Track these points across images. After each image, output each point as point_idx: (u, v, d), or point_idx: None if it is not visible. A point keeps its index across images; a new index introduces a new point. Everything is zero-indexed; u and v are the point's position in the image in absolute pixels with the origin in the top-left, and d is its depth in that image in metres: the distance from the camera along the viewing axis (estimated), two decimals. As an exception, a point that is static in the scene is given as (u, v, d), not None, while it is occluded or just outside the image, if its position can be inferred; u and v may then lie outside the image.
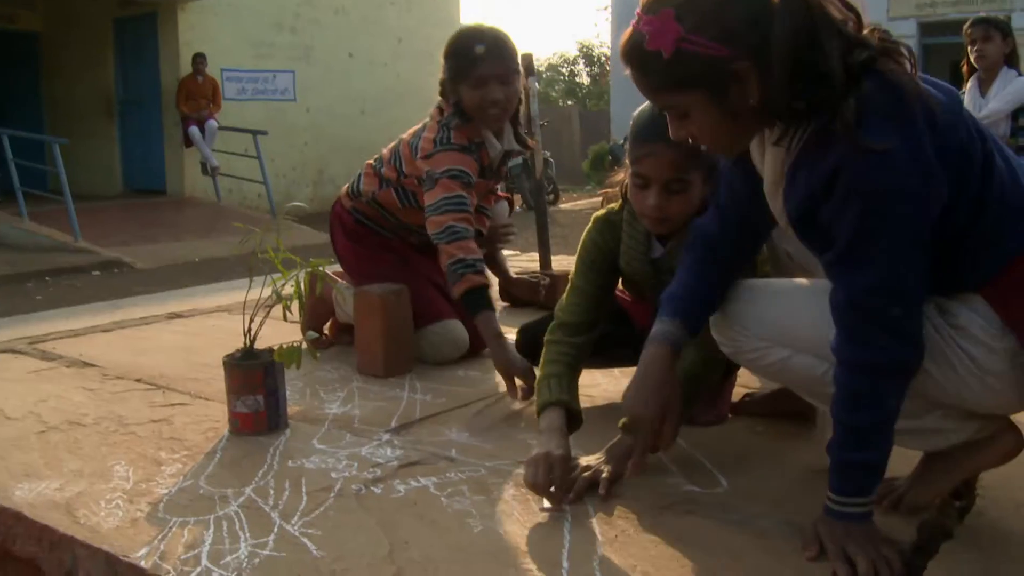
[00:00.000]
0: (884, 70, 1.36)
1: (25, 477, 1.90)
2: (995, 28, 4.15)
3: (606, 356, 2.37)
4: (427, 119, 2.80)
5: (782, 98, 1.38)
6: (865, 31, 1.41)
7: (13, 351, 3.05)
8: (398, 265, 2.84)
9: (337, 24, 13.92)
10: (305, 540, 1.59)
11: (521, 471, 1.85)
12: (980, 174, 1.42)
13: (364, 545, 1.57)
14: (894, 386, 1.43)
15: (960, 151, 1.40)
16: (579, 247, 2.12)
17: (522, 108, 2.98)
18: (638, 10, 1.44)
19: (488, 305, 2.55)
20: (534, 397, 2.02)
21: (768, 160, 1.53)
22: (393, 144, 2.91)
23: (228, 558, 1.52)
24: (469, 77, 2.65)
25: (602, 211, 2.14)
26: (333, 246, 3.05)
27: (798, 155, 1.44)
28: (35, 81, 14.02)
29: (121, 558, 1.53)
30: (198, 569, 1.48)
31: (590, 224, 2.13)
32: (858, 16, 1.40)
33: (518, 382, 2.43)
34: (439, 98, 2.79)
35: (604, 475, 1.78)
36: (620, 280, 2.21)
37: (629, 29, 1.46)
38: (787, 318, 1.61)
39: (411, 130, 2.86)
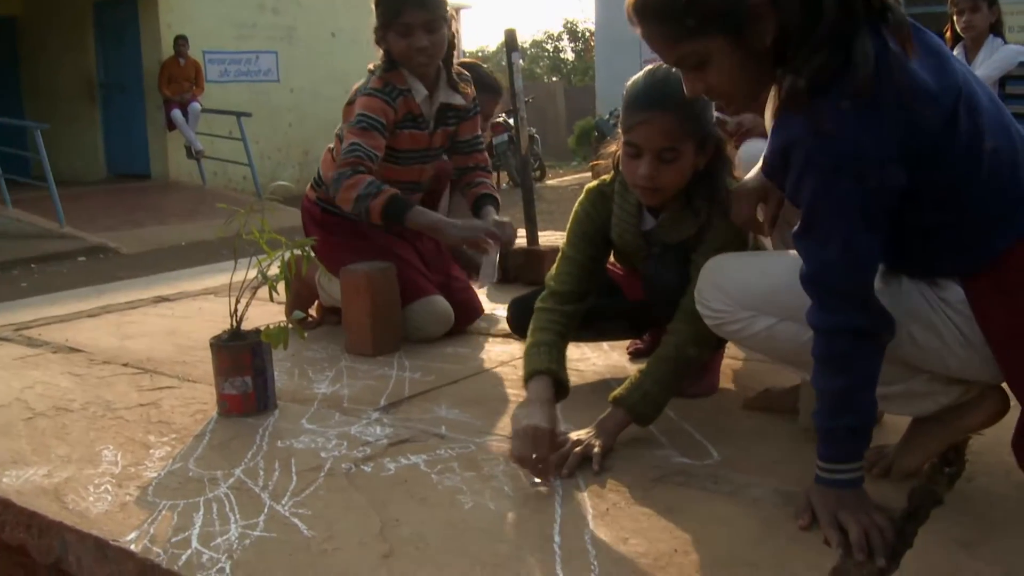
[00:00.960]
0: (858, 46, 1.33)
1: (12, 464, 1.89)
2: None
3: (596, 329, 2.38)
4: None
5: (792, 39, 1.37)
6: None
7: (-1, 338, 3.03)
8: (373, 251, 2.81)
9: (319, 4, 13.79)
10: (295, 520, 1.58)
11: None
12: (961, 166, 1.41)
13: (355, 524, 1.56)
14: (862, 351, 1.45)
15: (934, 144, 1.38)
16: (571, 218, 2.11)
17: (506, 94, 3.05)
18: None
19: (409, 205, 2.63)
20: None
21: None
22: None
23: (219, 540, 1.51)
24: (395, 24, 2.68)
25: (594, 182, 2.13)
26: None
27: (775, 116, 1.44)
28: (14, 66, 13.87)
29: (111, 542, 1.52)
30: (188, 551, 1.47)
31: (582, 195, 2.12)
32: None
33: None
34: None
35: (596, 450, 1.78)
36: (612, 253, 2.20)
37: None
38: (770, 285, 1.62)
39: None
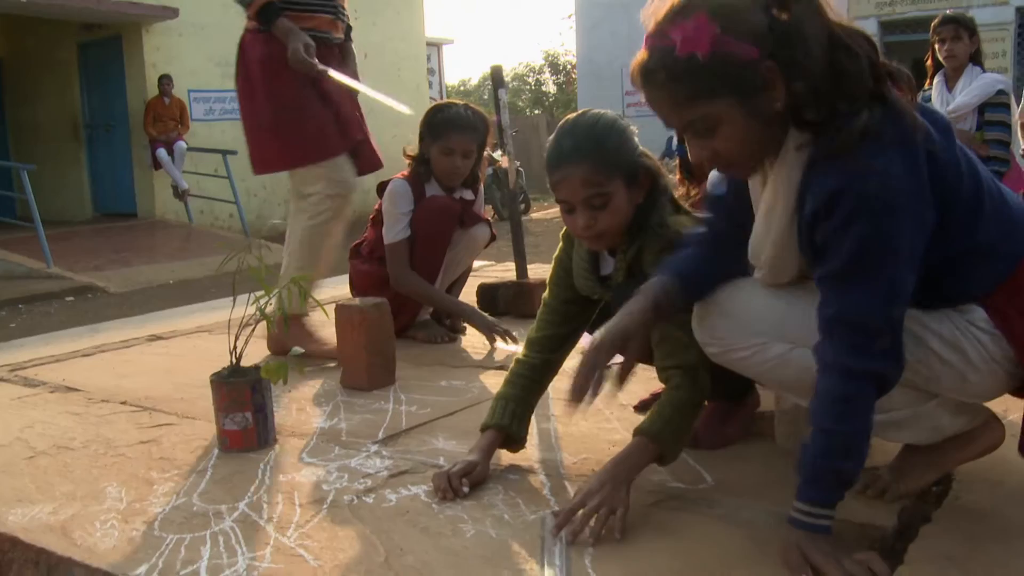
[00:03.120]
0: (889, 97, 1.40)
1: (17, 502, 1.91)
2: (963, 27, 4.23)
3: None
4: None
5: (806, 104, 1.41)
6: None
7: (-5, 379, 3.05)
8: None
9: (303, 41, 13.90)
10: (302, 551, 1.62)
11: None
12: (971, 202, 1.48)
13: (360, 553, 1.60)
14: (875, 395, 1.44)
15: (952, 181, 1.45)
16: (552, 265, 2.15)
17: (493, 118, 3.18)
18: (653, 27, 1.44)
19: (279, 13, 2.91)
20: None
21: (769, 185, 1.55)
22: None
23: (227, 572, 1.54)
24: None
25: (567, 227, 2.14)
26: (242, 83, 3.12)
27: (804, 175, 1.46)
28: (-1, 107, 13.94)
29: (120, 577, 1.55)
30: (198, 584, 1.51)
31: (560, 241, 2.15)
32: (868, 39, 1.44)
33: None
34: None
35: (618, 514, 1.65)
36: None
37: (645, 50, 1.46)
38: (784, 312, 1.61)
39: None
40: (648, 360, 1.87)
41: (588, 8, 17.92)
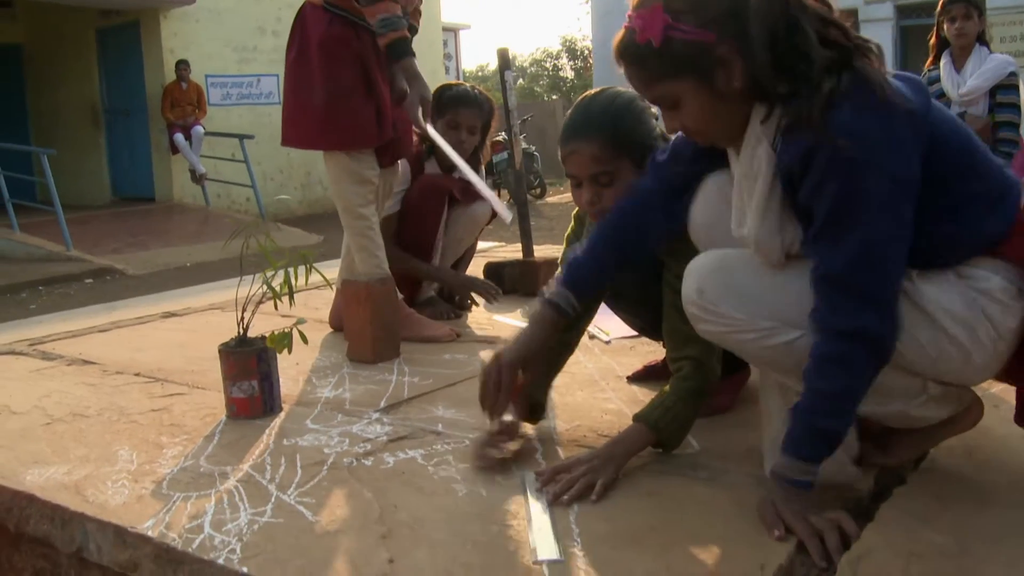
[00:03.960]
0: (858, 65, 1.45)
1: (34, 464, 2.00)
2: (973, 6, 4.24)
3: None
4: None
5: (765, 79, 1.47)
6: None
7: (14, 352, 3.15)
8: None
9: (319, 26, 13.98)
10: (301, 508, 1.70)
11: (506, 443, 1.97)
12: (962, 154, 1.53)
13: (356, 510, 1.68)
14: (866, 356, 1.47)
15: (939, 136, 1.49)
16: (564, 244, 2.21)
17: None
18: (629, 11, 1.55)
19: (410, 52, 2.90)
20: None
21: (742, 155, 1.59)
22: None
23: (229, 525, 1.63)
24: (447, 116, 3.31)
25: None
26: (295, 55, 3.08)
27: (778, 142, 1.50)
28: (20, 93, 14.11)
29: (129, 529, 1.64)
30: (201, 536, 1.59)
31: (572, 222, 2.20)
32: (830, 9, 1.50)
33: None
34: None
35: (599, 483, 1.71)
36: None
37: (621, 30, 1.57)
38: (794, 296, 1.57)
39: None
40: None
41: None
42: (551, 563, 1.44)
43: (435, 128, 3.22)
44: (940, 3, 4.36)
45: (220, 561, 1.50)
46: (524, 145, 13.92)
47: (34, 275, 8.61)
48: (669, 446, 1.86)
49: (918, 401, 1.63)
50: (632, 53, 1.56)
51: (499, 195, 13.36)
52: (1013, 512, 1.56)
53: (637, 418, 1.85)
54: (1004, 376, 1.66)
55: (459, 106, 3.31)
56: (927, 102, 1.50)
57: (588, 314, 2.15)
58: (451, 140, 3.25)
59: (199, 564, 1.52)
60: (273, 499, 1.74)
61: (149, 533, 1.61)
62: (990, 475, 1.72)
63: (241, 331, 2.29)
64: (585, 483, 1.69)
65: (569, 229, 2.19)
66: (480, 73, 38.08)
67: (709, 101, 1.54)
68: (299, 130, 3.05)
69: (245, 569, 1.47)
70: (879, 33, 13.77)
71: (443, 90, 3.38)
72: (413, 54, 2.91)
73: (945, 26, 4.33)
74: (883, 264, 1.46)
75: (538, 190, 14.33)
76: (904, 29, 13.82)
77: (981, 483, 1.69)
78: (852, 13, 13.81)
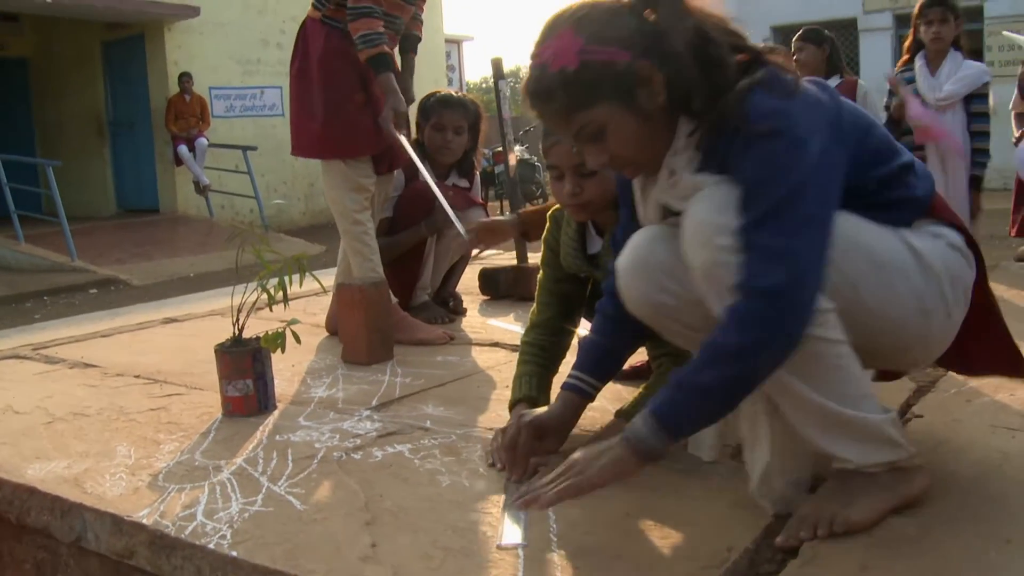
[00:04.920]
0: (771, 63, 1.51)
1: (36, 459, 2.07)
2: (950, 10, 4.30)
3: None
4: None
5: (690, 89, 1.49)
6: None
7: (18, 356, 3.22)
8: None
9: (322, 38, 14.10)
10: (290, 498, 1.77)
11: (489, 435, 2.03)
12: (881, 134, 1.61)
13: (343, 499, 1.75)
14: (775, 314, 1.39)
15: (860, 121, 1.57)
16: (542, 249, 2.24)
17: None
18: (533, 51, 1.54)
19: (389, 68, 3.00)
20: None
21: (653, 193, 1.64)
22: None
23: (221, 514, 1.70)
24: (432, 120, 3.43)
25: (554, 208, 2.24)
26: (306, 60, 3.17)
27: (701, 160, 1.53)
28: (26, 106, 14.25)
29: (125, 518, 1.71)
30: (194, 523, 1.66)
31: (548, 223, 2.23)
32: (727, 23, 1.55)
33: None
34: None
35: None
36: None
37: (528, 72, 1.55)
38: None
39: None
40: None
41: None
42: (515, 547, 1.51)
43: (423, 133, 3.35)
44: (917, 6, 4.44)
45: (211, 546, 1.56)
46: (526, 156, 14.05)
47: (39, 285, 8.71)
48: None
49: (881, 418, 1.51)
50: (546, 88, 1.52)
51: (502, 205, 13.45)
52: (972, 498, 1.62)
53: (619, 414, 1.92)
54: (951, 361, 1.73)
55: (442, 108, 3.42)
56: (837, 99, 1.55)
57: (568, 331, 2.20)
58: (439, 142, 3.36)
59: (191, 549, 1.59)
60: (264, 490, 1.81)
61: (144, 521, 1.68)
62: (955, 465, 1.78)
63: (236, 331, 2.36)
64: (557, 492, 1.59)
65: (546, 231, 2.23)
66: (484, 84, 38.19)
67: (634, 122, 1.52)
68: (302, 140, 3.16)
69: (234, 553, 1.53)
70: (878, 43, 13.83)
71: (427, 97, 3.50)
72: (391, 69, 3.01)
73: (922, 29, 4.39)
74: (800, 228, 1.41)
75: (540, 200, 14.40)
76: (902, 39, 13.90)
77: (946, 472, 1.75)
78: (851, 23, 13.90)
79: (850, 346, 1.49)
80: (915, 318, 1.55)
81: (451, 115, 3.43)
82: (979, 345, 1.70)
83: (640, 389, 2.03)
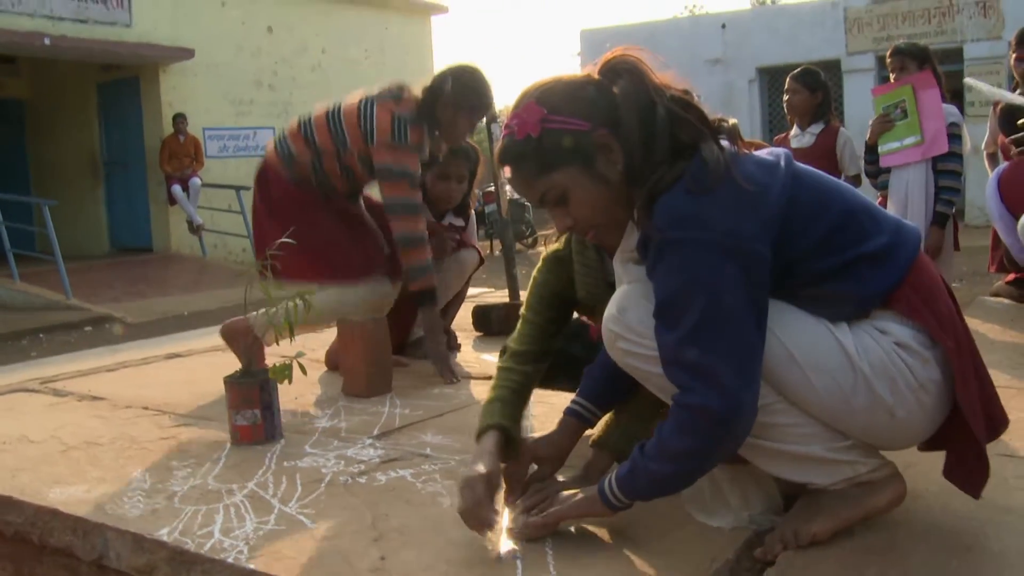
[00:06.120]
0: (703, 149, 1.54)
1: (55, 484, 2.18)
2: (909, 57, 4.49)
3: (571, 376, 2.30)
4: (373, 95, 3.21)
5: (638, 163, 1.57)
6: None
7: (27, 390, 3.33)
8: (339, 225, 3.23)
9: (314, 80, 14.35)
10: (301, 517, 1.88)
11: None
12: (841, 218, 1.58)
13: (351, 518, 1.86)
14: (710, 429, 1.48)
15: (797, 210, 1.55)
16: (530, 285, 2.19)
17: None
18: (506, 120, 1.65)
19: (434, 302, 3.19)
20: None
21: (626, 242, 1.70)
22: (326, 110, 3.25)
23: (237, 532, 1.81)
24: (437, 168, 3.46)
25: (549, 249, 2.23)
26: (263, 207, 3.31)
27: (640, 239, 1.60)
28: (21, 145, 14.42)
29: (147, 536, 1.82)
30: (212, 540, 1.77)
31: (540, 264, 2.22)
32: (689, 93, 1.62)
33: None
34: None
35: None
36: (577, 310, 2.26)
37: (502, 139, 1.67)
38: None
39: (352, 102, 3.22)
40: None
41: (593, 46, 18.32)
42: (513, 557, 1.63)
43: (425, 177, 3.44)
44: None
45: (229, 560, 1.68)
46: (515, 196, 14.22)
47: (35, 323, 8.80)
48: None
49: (841, 445, 1.61)
50: (513, 153, 1.63)
51: (492, 245, 13.61)
52: (938, 514, 1.75)
53: (594, 444, 1.99)
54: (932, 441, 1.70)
55: (448, 157, 3.48)
56: (784, 181, 1.55)
57: (545, 363, 2.19)
58: (442, 191, 3.48)
59: (210, 564, 1.70)
60: (276, 511, 1.93)
61: (165, 539, 1.79)
62: (924, 484, 1.90)
63: (245, 363, 2.48)
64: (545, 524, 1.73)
65: (537, 271, 2.20)
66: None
67: (594, 188, 1.61)
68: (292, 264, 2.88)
69: (252, 566, 1.65)
70: (861, 84, 14.10)
71: None
72: (434, 303, 3.21)
73: (892, 77, 4.61)
74: (716, 340, 1.47)
75: (530, 240, 14.56)
76: (886, 80, 14.17)
77: (915, 492, 1.86)
78: (835, 64, 14.19)
79: (789, 403, 1.58)
80: (846, 417, 1.58)
81: (456, 164, 3.51)
82: (948, 451, 1.68)
83: (611, 415, 2.03)
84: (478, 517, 1.69)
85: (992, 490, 1.65)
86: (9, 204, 10.58)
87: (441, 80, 3.19)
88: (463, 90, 3.19)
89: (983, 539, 1.64)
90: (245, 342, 2.91)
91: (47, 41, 11.42)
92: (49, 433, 2.66)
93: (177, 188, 12.43)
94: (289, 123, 3.33)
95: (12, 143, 14.23)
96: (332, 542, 1.75)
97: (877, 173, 4.58)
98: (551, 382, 2.34)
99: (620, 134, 1.59)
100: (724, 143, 1.58)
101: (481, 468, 1.77)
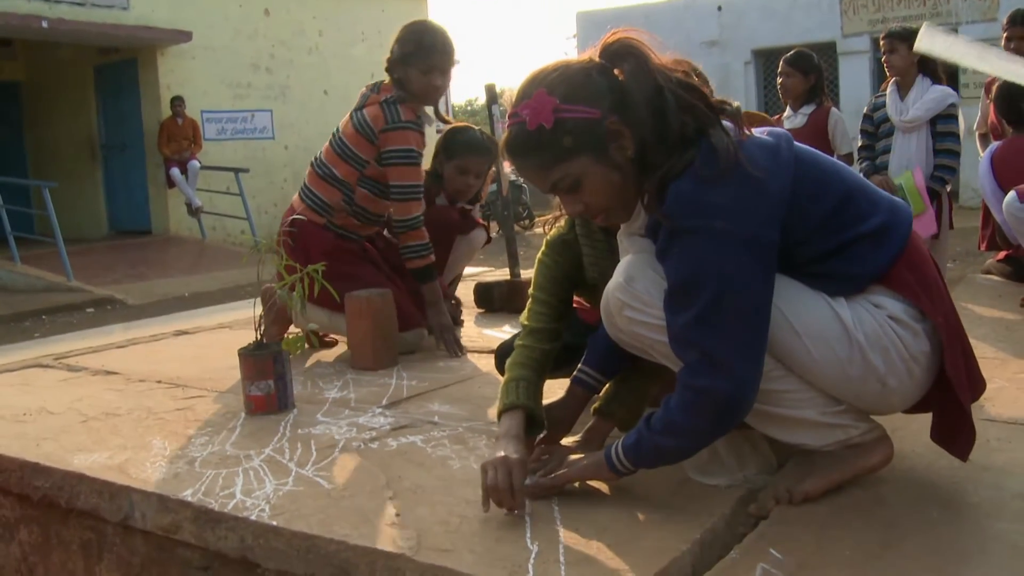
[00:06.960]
0: (712, 133, 1.59)
1: (78, 451, 2.27)
2: (899, 40, 4.58)
3: (570, 368, 2.31)
4: (358, 106, 3.27)
5: (649, 148, 1.60)
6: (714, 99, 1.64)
7: (41, 365, 3.42)
8: (373, 280, 3.29)
9: (311, 63, 14.40)
10: (318, 479, 1.98)
11: (494, 428, 2.22)
12: (837, 201, 1.64)
13: (366, 480, 1.96)
14: (714, 408, 1.57)
15: (799, 193, 1.60)
16: (536, 268, 2.18)
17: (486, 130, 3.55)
18: (511, 111, 1.67)
19: (434, 277, 3.29)
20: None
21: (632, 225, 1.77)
22: (329, 143, 3.33)
23: (257, 492, 1.90)
24: (457, 161, 3.54)
25: (553, 232, 2.18)
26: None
27: (648, 212, 1.65)
28: (19, 129, 14.46)
29: (171, 497, 1.91)
30: (234, 500, 1.86)
31: (544, 248, 2.17)
32: (691, 74, 1.66)
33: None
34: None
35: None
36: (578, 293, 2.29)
37: (505, 130, 1.68)
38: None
39: (345, 121, 3.30)
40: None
41: (590, 28, 18.34)
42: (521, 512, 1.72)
43: (442, 165, 3.57)
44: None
45: (252, 517, 1.77)
46: (513, 177, 14.28)
47: (36, 304, 8.88)
48: (625, 428, 2.02)
49: (834, 409, 1.70)
50: (524, 143, 1.64)
51: (488, 225, 13.67)
52: (921, 472, 1.84)
53: (595, 412, 2.06)
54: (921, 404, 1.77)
55: (469, 153, 3.56)
56: (787, 164, 1.61)
57: (560, 340, 2.20)
58: (461, 185, 3.56)
59: (234, 521, 1.79)
60: (293, 473, 2.02)
61: (189, 499, 1.89)
62: (912, 446, 1.99)
63: (258, 336, 2.56)
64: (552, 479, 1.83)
65: (542, 253, 2.20)
66: (469, 107, 38.56)
67: (607, 174, 1.65)
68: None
69: (275, 522, 1.74)
70: (857, 65, 14.18)
71: (454, 134, 3.63)
72: (434, 278, 3.30)
73: (883, 59, 4.72)
74: (734, 330, 1.54)
75: (527, 221, 14.62)
76: (880, 62, 14.22)
77: (901, 454, 1.96)
78: (831, 46, 14.24)
79: (787, 370, 1.66)
80: (841, 384, 1.66)
81: (477, 161, 3.58)
82: (936, 417, 1.77)
83: (611, 384, 2.09)
84: (507, 503, 1.71)
85: (974, 451, 1.74)
86: (8, 187, 10.62)
87: (391, 51, 3.27)
88: (405, 46, 3.21)
89: (962, 493, 1.74)
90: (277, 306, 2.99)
91: (44, 24, 11.44)
92: (67, 405, 2.75)
93: (175, 171, 12.48)
94: (305, 175, 3.38)
95: (10, 126, 14.29)
96: (350, 501, 1.84)
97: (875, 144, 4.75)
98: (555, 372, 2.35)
99: (630, 120, 1.62)
100: (728, 125, 1.64)
101: (512, 453, 1.79)
